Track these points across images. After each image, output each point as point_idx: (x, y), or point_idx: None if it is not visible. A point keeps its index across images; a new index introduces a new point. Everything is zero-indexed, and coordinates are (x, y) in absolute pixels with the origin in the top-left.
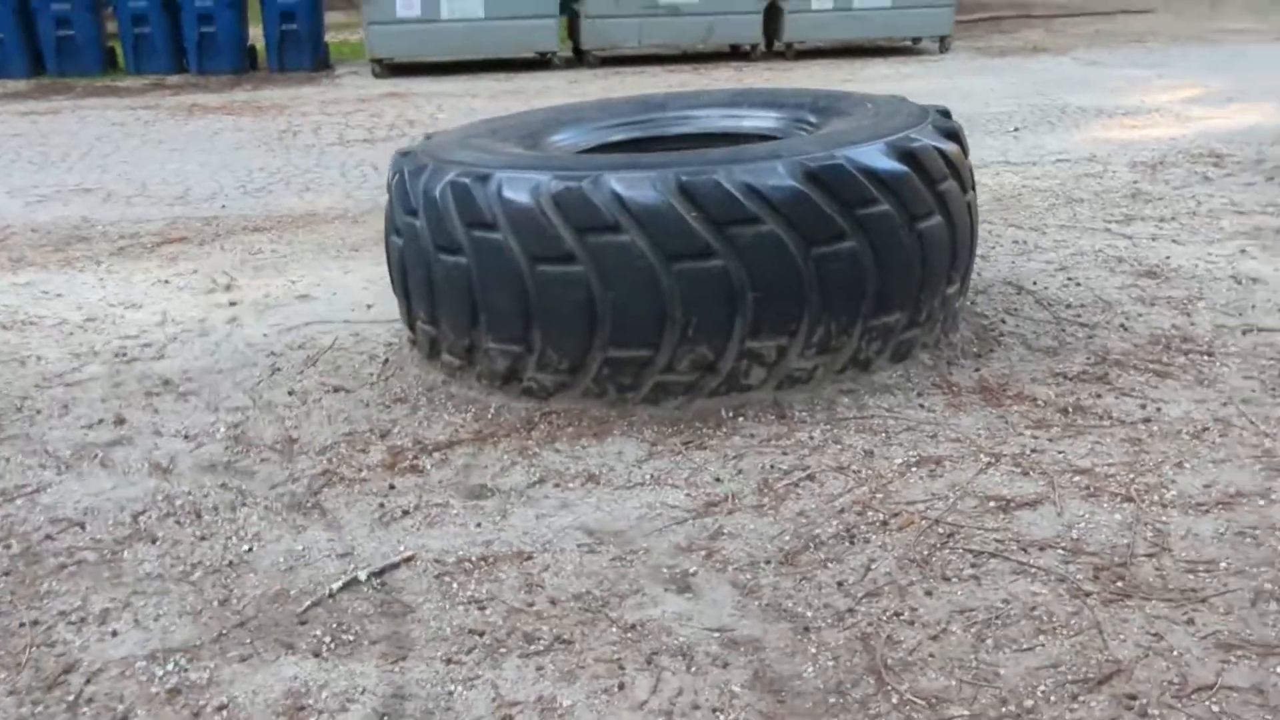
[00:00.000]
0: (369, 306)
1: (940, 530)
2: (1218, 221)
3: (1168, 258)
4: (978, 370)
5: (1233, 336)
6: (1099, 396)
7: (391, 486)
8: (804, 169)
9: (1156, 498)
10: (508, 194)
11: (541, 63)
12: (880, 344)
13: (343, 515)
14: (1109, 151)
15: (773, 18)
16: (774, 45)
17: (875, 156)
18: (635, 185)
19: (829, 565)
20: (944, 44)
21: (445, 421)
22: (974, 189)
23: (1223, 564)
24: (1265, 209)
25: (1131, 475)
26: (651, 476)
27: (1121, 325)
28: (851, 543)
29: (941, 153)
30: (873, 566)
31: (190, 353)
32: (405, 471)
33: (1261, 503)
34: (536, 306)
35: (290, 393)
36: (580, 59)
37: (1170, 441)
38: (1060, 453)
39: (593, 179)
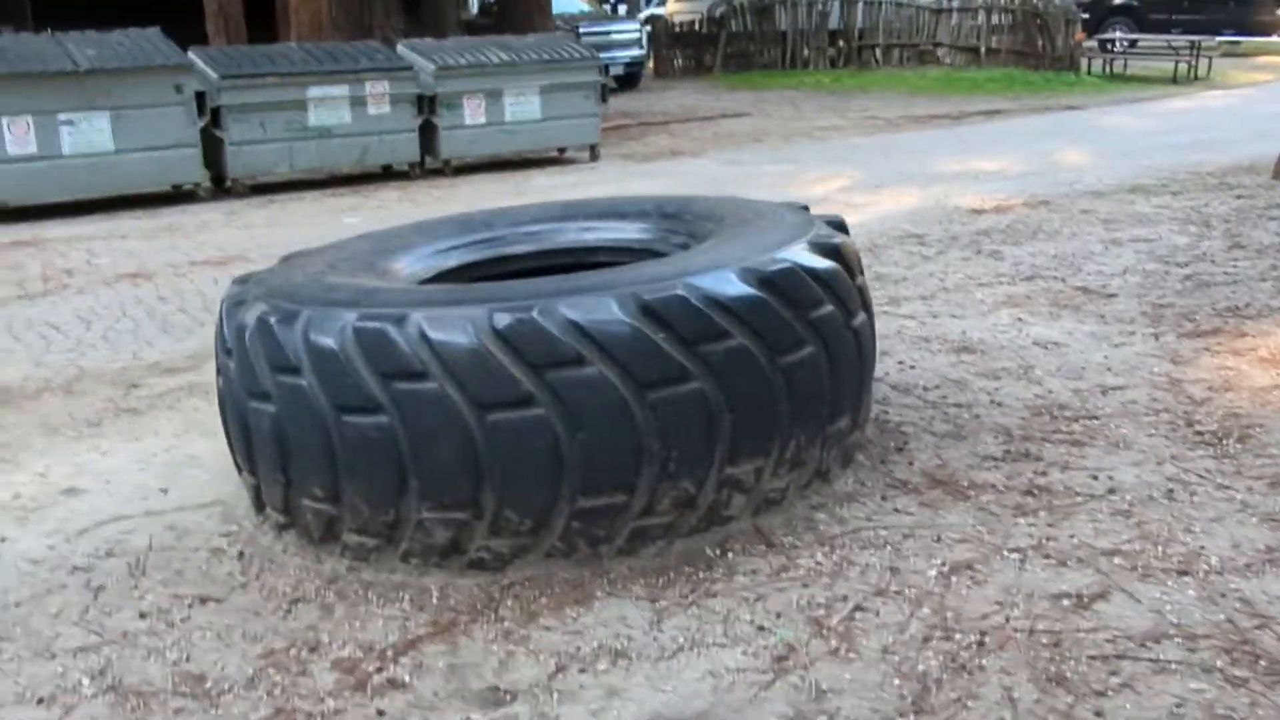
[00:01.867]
0: (163, 492)
1: (1043, 641)
2: (972, 295)
3: (964, 332)
4: (911, 464)
5: (1096, 398)
6: (1044, 474)
7: (381, 714)
8: (758, 275)
9: (1205, 566)
10: (435, 335)
11: (182, 195)
12: (836, 451)
13: None
14: None
15: (427, 135)
16: (425, 163)
17: (809, 256)
18: (593, 310)
19: (969, 704)
20: (594, 152)
21: (381, 616)
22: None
23: None
24: (1000, 279)
25: (1159, 548)
26: (687, 639)
27: (991, 401)
28: (968, 673)
29: (851, 245)
30: (1015, 695)
31: None
32: (383, 690)
33: None
34: (488, 461)
35: (142, 615)
36: (221, 188)
37: (1154, 508)
38: (1072, 536)
39: (542, 308)
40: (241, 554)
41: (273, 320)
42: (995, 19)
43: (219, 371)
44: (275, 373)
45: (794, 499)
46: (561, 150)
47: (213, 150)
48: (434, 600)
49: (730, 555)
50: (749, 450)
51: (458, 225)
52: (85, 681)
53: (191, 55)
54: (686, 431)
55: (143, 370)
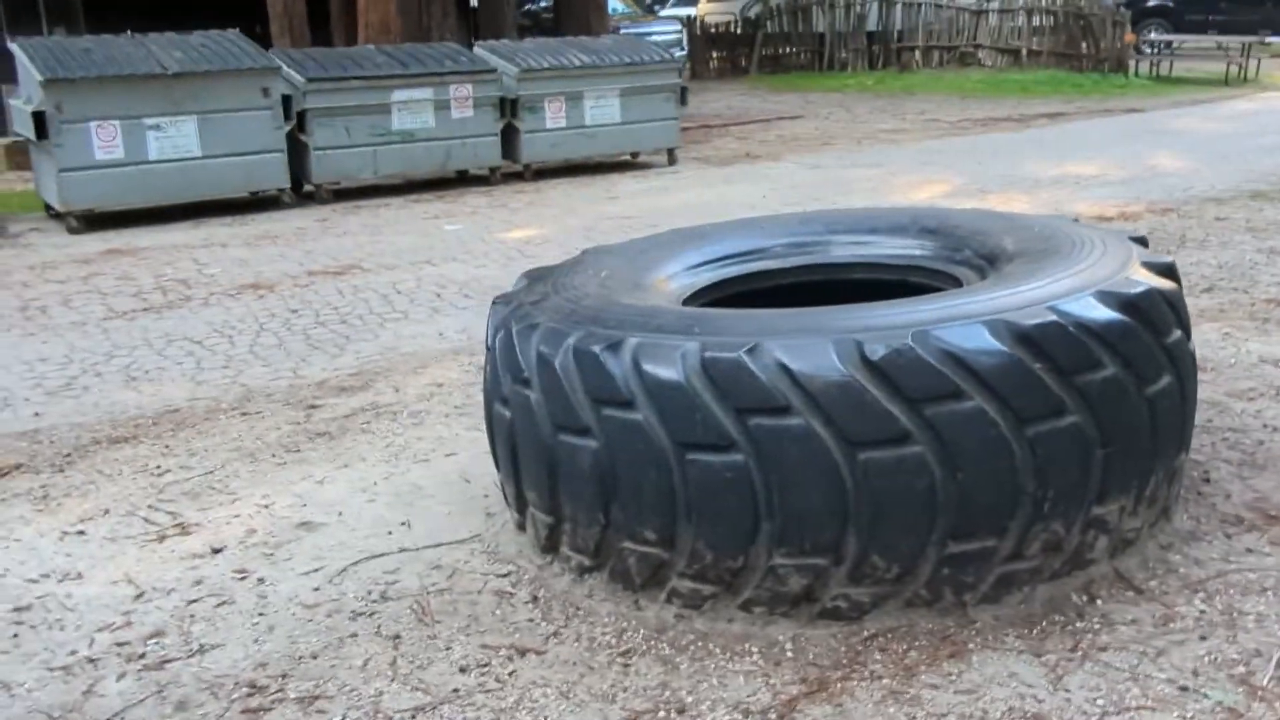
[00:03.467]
0: (404, 525)
1: None
2: None
3: None
4: (1228, 497)
5: None
6: None
7: None
8: (1119, 299)
9: None
10: (798, 366)
11: (264, 202)
12: (1178, 486)
13: None
14: None
15: (508, 139)
16: (502, 167)
17: (1155, 277)
18: (971, 338)
19: None
20: (672, 156)
21: (738, 672)
22: None
23: None
24: None
25: None
26: (1106, 702)
27: (1265, 425)
28: None
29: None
30: None
31: (238, 634)
32: None
33: None
34: (857, 504)
35: (462, 669)
36: (300, 193)
37: None
38: None
39: (918, 336)
40: (536, 598)
41: (596, 349)
42: (1037, 20)
43: (501, 401)
44: (599, 406)
45: (1145, 539)
46: (635, 154)
47: (294, 155)
48: (789, 654)
49: (1099, 602)
50: (1117, 488)
51: (697, 238)
52: None
53: (276, 57)
54: (1062, 469)
55: (313, 390)
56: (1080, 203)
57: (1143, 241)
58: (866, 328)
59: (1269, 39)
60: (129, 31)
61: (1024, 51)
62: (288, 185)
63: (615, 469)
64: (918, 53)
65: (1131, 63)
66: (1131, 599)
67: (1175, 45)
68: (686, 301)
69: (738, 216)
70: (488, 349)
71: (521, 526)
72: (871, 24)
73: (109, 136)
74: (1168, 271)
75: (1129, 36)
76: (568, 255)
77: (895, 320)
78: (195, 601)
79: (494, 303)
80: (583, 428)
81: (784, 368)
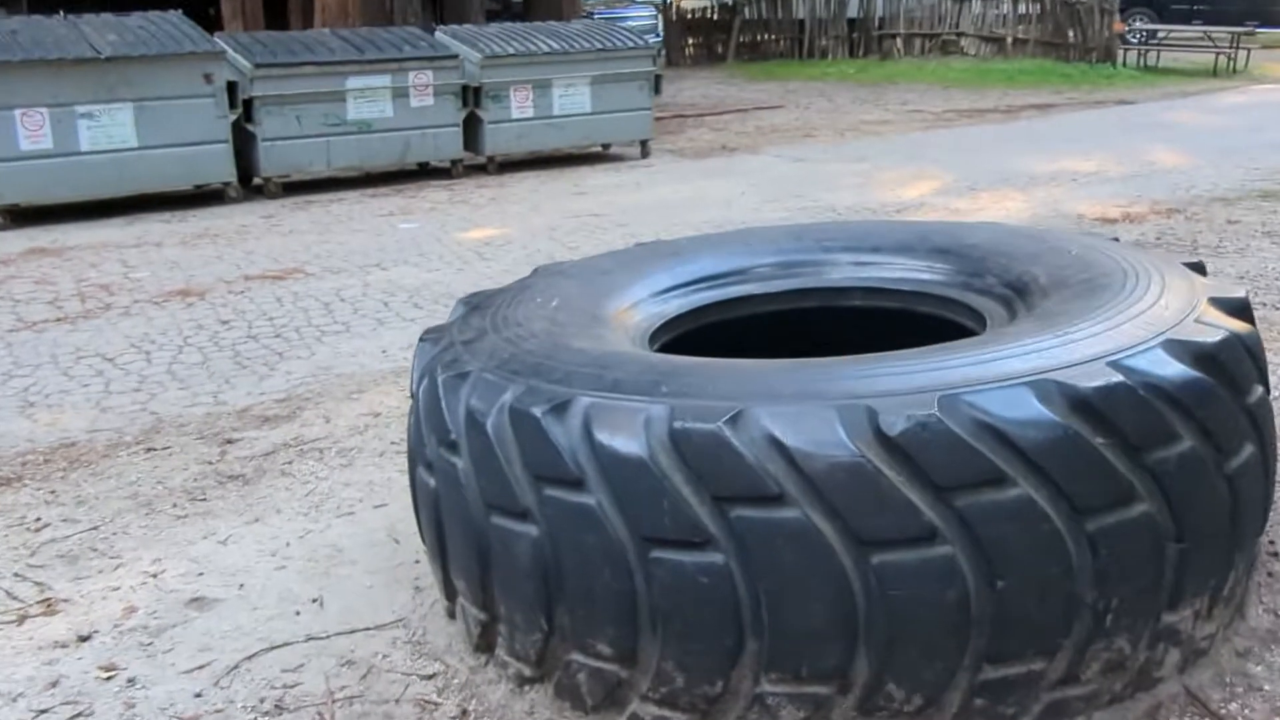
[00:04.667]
0: (316, 602)
1: None
2: None
3: None
4: None
5: None
6: None
7: None
8: (1193, 351)
9: None
10: (794, 443)
11: (209, 196)
12: (1254, 575)
13: None
14: None
15: (470, 129)
16: (465, 159)
17: (1230, 320)
18: (1014, 406)
19: None
20: (645, 148)
21: None
22: None
23: None
24: None
25: None
26: None
27: None
28: None
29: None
30: None
31: None
32: None
33: None
34: (868, 619)
35: None
36: (249, 186)
37: None
38: None
39: (946, 404)
40: (465, 712)
41: (537, 411)
42: (1022, 8)
43: (425, 465)
44: (541, 484)
45: (1219, 645)
46: (606, 146)
47: (241, 146)
48: None
49: None
50: (1192, 589)
51: (668, 256)
52: None
53: (221, 41)
54: (1129, 571)
55: (232, 419)
56: (1080, 202)
57: (1200, 268)
58: (880, 391)
59: (1257, 29)
60: (61, 12)
61: (1009, 40)
62: (233, 178)
63: (561, 564)
64: (899, 40)
65: (1120, 53)
66: None
67: (1161, 35)
68: (654, 335)
69: (713, 213)
70: (411, 396)
71: (453, 614)
72: (852, 10)
73: (36, 125)
74: (1242, 310)
75: (1118, 25)
76: (529, 257)
77: (916, 380)
78: (44, 713)
79: (421, 339)
80: (520, 510)
81: (776, 444)
